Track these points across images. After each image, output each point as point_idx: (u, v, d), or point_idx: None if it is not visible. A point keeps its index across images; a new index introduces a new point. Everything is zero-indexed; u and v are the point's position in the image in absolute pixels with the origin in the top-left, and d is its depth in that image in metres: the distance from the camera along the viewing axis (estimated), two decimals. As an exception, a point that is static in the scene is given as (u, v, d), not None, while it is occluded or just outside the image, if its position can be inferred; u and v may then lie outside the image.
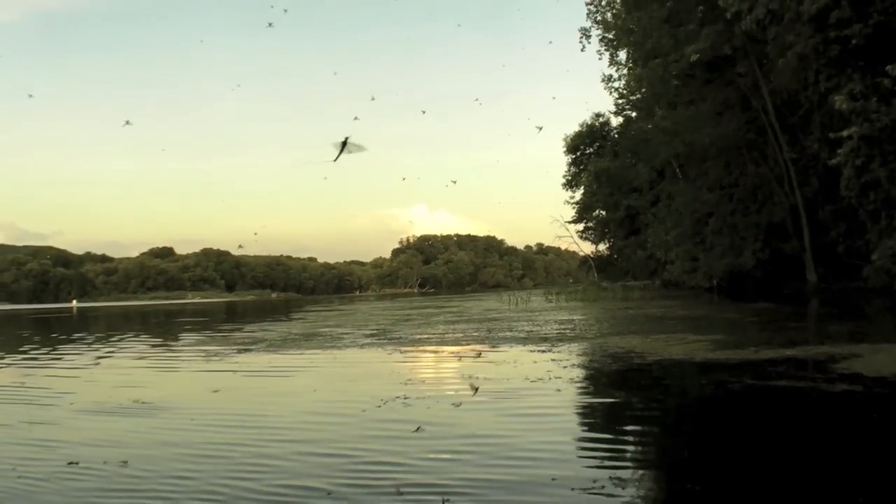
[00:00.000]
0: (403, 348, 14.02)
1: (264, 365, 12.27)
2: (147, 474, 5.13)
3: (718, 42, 33.03)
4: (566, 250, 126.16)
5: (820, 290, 31.76)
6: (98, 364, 13.98)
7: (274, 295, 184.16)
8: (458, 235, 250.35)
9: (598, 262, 76.84)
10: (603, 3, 45.46)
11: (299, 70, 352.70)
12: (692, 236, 43.42)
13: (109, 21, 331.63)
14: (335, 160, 5.68)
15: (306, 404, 7.94)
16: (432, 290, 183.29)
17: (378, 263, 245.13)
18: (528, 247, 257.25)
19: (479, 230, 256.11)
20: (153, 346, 18.95)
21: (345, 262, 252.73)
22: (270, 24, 63.00)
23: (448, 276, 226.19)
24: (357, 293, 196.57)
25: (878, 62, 21.92)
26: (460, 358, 11.84)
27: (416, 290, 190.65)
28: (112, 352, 16.86)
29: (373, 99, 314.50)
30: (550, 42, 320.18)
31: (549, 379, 8.68)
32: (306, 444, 5.86)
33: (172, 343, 19.60)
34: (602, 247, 76.96)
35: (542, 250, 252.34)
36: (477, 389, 7.93)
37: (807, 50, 25.09)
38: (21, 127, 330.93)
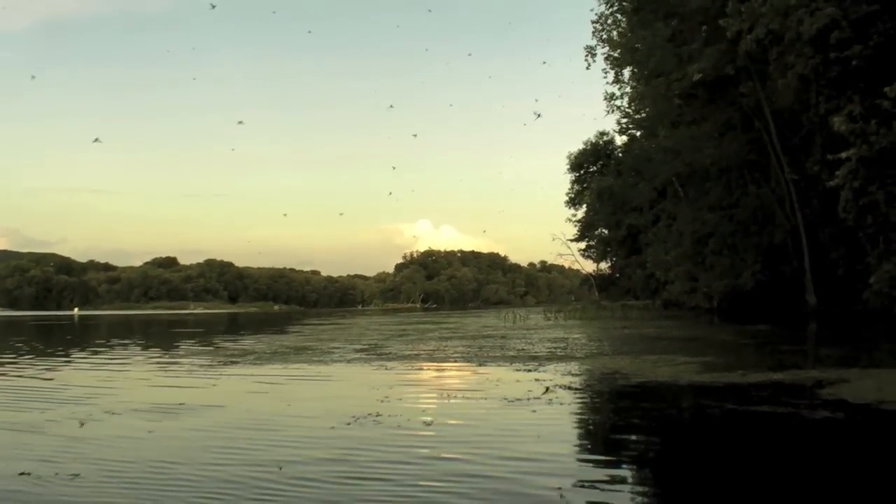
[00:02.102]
0: (389, 364, 13.83)
1: (244, 378, 12.08)
2: (96, 486, 4.97)
3: (721, 62, 32.97)
4: (569, 268, 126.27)
5: (819, 312, 31.52)
6: (75, 373, 13.80)
7: (276, 307, 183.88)
8: (461, 251, 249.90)
9: (599, 280, 76.79)
10: (609, 21, 45.54)
11: (306, 84, 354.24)
12: (692, 256, 43.22)
13: (118, 30, 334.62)
14: None
15: (277, 418, 7.75)
16: (435, 306, 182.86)
17: (381, 278, 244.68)
18: (531, 264, 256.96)
19: (483, 247, 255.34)
20: (140, 355, 18.72)
21: (348, 275, 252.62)
22: (213, 6, 61.57)
23: (451, 292, 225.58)
24: (359, 307, 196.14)
25: (878, 84, 21.80)
26: (443, 374, 11.64)
27: (418, 306, 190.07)
28: (90, 360, 16.67)
29: (391, 106, 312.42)
30: (545, 62, 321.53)
31: (528, 400, 8.49)
32: (268, 464, 5.68)
33: (159, 353, 19.34)
34: (604, 265, 76.98)
35: (546, 268, 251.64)
36: (548, 389, 9.27)
37: (807, 70, 25.01)
38: (26, 133, 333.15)
